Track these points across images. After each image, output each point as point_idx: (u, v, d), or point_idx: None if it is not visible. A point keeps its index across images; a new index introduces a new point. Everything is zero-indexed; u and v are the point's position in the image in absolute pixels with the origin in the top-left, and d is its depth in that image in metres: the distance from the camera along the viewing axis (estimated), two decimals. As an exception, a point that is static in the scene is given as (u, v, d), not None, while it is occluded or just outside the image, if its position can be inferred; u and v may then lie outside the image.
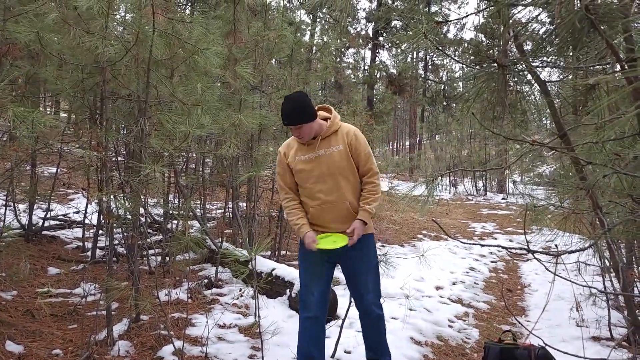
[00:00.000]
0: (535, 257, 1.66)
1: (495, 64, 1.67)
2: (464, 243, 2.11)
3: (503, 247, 1.79)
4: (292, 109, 2.83)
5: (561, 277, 1.71)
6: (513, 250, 7.43)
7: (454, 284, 5.87)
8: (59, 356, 3.23)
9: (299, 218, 3.00)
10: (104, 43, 3.45)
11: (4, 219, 5.20)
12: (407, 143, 37.87)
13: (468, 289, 5.71)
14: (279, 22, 6.19)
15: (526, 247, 1.69)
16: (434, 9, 25.52)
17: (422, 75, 27.75)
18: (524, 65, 1.75)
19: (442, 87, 27.72)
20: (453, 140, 22.36)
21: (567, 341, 4.10)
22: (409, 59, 27.12)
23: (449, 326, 4.43)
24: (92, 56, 3.84)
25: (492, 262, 7.38)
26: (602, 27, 1.21)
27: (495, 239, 9.23)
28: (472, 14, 1.65)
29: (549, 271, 1.72)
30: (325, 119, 3.01)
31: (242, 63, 4.96)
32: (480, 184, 20.00)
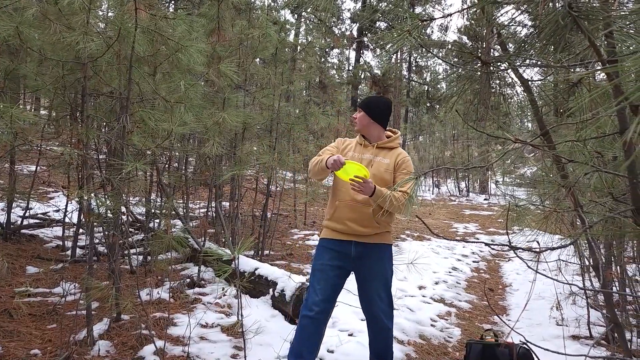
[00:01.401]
0: (516, 254, 1.68)
1: (479, 62, 1.68)
2: (449, 240, 2.12)
3: (486, 244, 1.80)
4: (370, 98, 3.13)
5: (542, 274, 1.73)
6: (495, 247, 7.51)
7: (436, 283, 5.91)
8: (38, 356, 3.17)
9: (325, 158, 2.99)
10: (85, 39, 3.40)
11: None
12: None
13: (450, 288, 5.75)
14: (263, 21, 6.17)
15: (508, 244, 1.71)
16: (418, 10, 25.68)
17: (406, 76, 27.90)
18: (506, 64, 1.77)
19: (426, 89, 27.91)
20: (436, 141, 22.53)
21: (548, 340, 4.15)
22: (393, 60, 27.26)
23: (432, 325, 4.45)
24: (73, 52, 3.78)
25: (474, 262, 7.45)
26: (584, 24, 1.23)
27: (478, 239, 9.31)
28: (457, 12, 1.65)
29: (530, 268, 1.74)
30: (388, 137, 3.17)
31: (226, 61, 4.94)
32: (462, 184, 20.18)
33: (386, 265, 3.04)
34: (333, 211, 3.04)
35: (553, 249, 1.67)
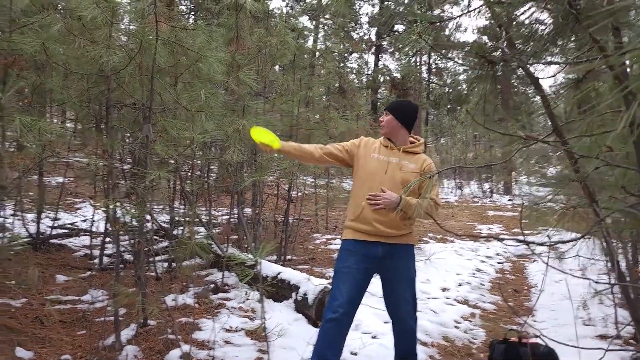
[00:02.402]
0: (531, 250, 1.69)
1: (485, 61, 1.70)
2: (458, 236, 2.13)
3: (498, 239, 1.81)
4: (399, 102, 3.20)
5: (555, 267, 1.73)
6: (517, 246, 7.42)
7: (460, 285, 5.88)
8: (68, 362, 3.26)
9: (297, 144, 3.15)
10: (108, 52, 3.50)
11: (12, 228, 5.25)
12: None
13: (474, 290, 5.72)
14: (281, 29, 6.24)
15: (522, 240, 1.72)
16: (436, 12, 25.55)
17: (426, 79, 27.77)
18: (516, 63, 1.78)
19: (446, 90, 27.74)
20: (458, 143, 22.35)
21: (574, 340, 4.09)
22: (412, 62, 27.19)
23: (455, 327, 4.43)
24: (97, 65, 3.89)
25: (498, 263, 7.38)
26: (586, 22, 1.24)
27: (502, 240, 9.21)
28: (462, 14, 1.67)
29: (544, 262, 1.74)
30: (412, 142, 3.18)
31: (245, 69, 5.01)
32: (486, 186, 19.96)
33: (411, 265, 3.06)
34: (359, 212, 3.00)
35: (564, 242, 1.67)
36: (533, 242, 1.70)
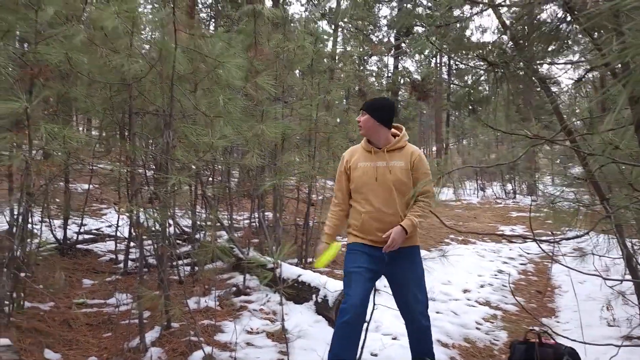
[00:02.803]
0: (540, 247, 1.69)
1: (487, 63, 1.71)
2: (463, 233, 2.14)
3: (504, 236, 1.82)
4: (374, 101, 3.10)
5: (562, 264, 1.73)
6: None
7: (481, 286, 5.84)
8: (95, 363, 3.35)
9: (330, 226, 3.20)
10: (130, 61, 3.60)
11: (40, 234, 5.40)
12: (434, 149, 37.65)
13: (496, 291, 5.67)
14: (299, 34, 6.31)
15: (531, 237, 1.72)
16: (456, 13, 25.34)
17: (446, 80, 27.59)
18: (521, 64, 1.79)
19: (467, 91, 27.47)
20: (480, 144, 22.14)
21: (598, 341, 4.04)
22: (431, 64, 27.06)
23: (477, 328, 4.41)
24: (119, 74, 3.99)
25: (521, 264, 7.30)
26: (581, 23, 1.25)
27: (526, 241, 9.11)
28: (469, 18, 1.68)
29: (553, 259, 1.75)
30: (395, 136, 3.14)
31: (263, 74, 5.08)
32: (509, 187, 19.74)
33: (418, 266, 3.08)
34: (360, 224, 3.05)
35: (568, 239, 1.67)
36: (541, 240, 1.70)
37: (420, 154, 3.08)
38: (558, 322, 4.74)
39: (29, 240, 4.18)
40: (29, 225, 4.11)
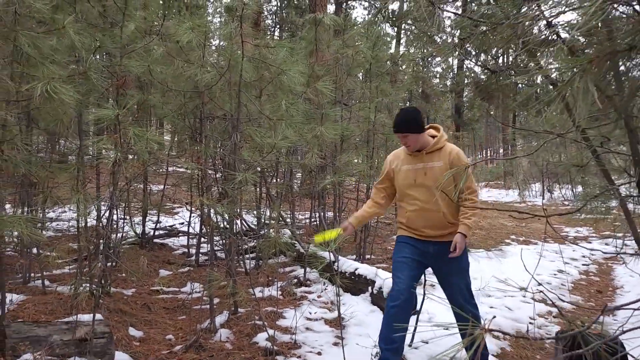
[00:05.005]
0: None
1: (488, 71, 1.88)
2: (482, 209, 2.30)
3: (523, 212, 1.98)
4: (401, 119, 3.16)
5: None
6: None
7: (539, 284, 5.84)
8: (172, 340, 3.76)
9: (358, 215, 3.43)
10: (202, 70, 4.00)
11: (123, 228, 5.97)
12: (501, 150, 36.74)
13: (554, 289, 5.68)
14: (358, 39, 6.58)
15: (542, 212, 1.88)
16: (524, 9, 24.71)
17: (513, 80, 26.87)
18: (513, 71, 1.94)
19: (535, 91, 26.69)
20: (547, 144, 21.46)
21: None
22: (500, 62, 26.45)
23: (530, 323, 4.50)
24: (192, 82, 4.42)
25: (583, 265, 7.20)
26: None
27: (590, 242, 8.92)
28: (491, 27, 1.87)
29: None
30: (433, 137, 3.29)
31: (323, 79, 5.39)
32: (579, 188, 19.05)
33: (463, 258, 3.23)
34: (405, 221, 3.28)
35: (561, 214, 1.82)
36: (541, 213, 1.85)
37: (459, 151, 3.22)
38: (615, 320, 4.73)
39: (114, 234, 4.70)
40: (115, 220, 4.63)
